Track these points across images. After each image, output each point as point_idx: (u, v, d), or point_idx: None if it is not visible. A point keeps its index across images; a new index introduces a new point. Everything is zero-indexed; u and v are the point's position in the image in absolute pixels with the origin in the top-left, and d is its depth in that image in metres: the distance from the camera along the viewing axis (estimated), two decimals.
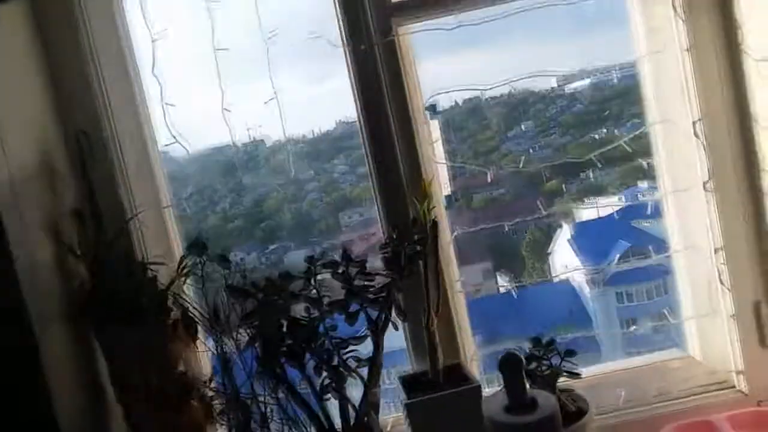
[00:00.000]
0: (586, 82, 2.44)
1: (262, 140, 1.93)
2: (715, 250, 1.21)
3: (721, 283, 1.22)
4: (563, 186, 2.53)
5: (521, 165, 1.64)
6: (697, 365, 1.33)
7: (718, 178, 1.18)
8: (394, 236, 1.18)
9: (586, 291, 2.73)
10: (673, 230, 1.34)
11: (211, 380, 1.12)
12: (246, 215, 2.00)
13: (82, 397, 1.06)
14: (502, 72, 1.23)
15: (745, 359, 1.22)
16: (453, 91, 1.27)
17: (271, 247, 2.02)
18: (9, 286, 0.94)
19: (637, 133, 1.30)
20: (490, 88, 1.25)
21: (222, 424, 1.11)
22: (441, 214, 1.32)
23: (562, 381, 1.12)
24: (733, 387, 1.25)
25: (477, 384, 1.09)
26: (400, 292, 1.15)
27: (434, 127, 1.36)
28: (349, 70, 1.22)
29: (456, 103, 2.57)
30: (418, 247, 1.17)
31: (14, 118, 1.05)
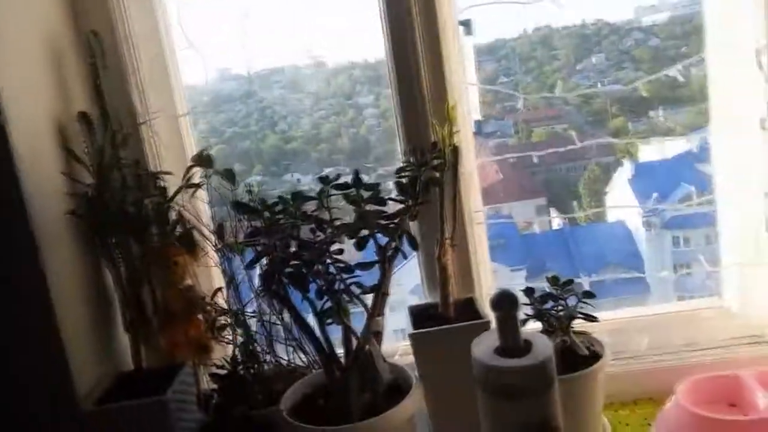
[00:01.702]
0: (666, 15, 2.25)
1: (324, 62, 1.90)
2: (766, 194, 1.10)
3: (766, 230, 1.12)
4: (629, 124, 2.40)
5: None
6: (732, 317, 1.24)
7: None
8: (411, 161, 1.11)
9: (642, 233, 2.65)
10: (722, 172, 1.22)
11: (214, 296, 1.10)
12: (304, 137, 2.00)
13: (87, 309, 1.05)
14: None
15: None
16: (487, 4, 1.16)
17: (327, 170, 2.01)
18: (12, 195, 0.92)
19: (689, 61, 1.18)
20: (528, 3, 1.13)
21: (225, 342, 1.10)
22: (468, 140, 1.24)
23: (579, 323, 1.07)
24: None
25: (486, 320, 1.04)
26: (413, 220, 1.09)
27: (467, 47, 1.26)
28: None
29: (524, 31, 2.43)
30: (436, 174, 1.10)
31: (20, 14, 1.00)
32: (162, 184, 1.12)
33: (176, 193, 1.05)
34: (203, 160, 1.04)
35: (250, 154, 1.94)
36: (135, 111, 1.16)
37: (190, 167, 1.06)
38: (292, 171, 2.02)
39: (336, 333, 1.08)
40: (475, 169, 1.25)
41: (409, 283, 1.53)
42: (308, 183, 2.04)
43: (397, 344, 1.30)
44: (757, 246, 1.15)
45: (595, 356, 1.03)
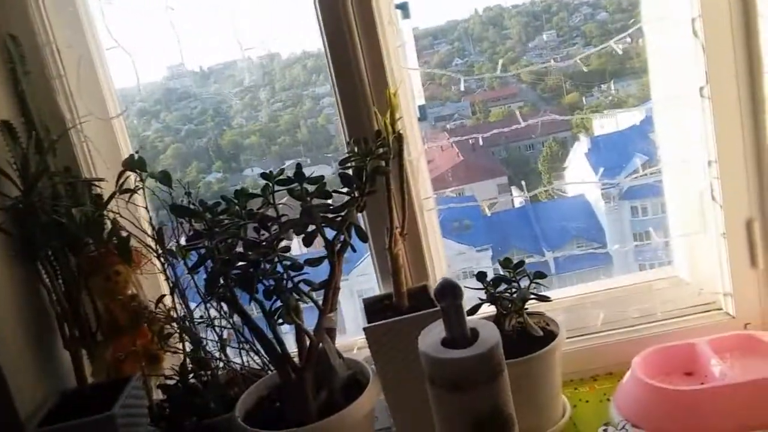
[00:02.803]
0: None
1: (277, 53, 1.86)
2: (709, 163, 1.11)
3: (713, 199, 1.12)
4: (583, 98, 2.43)
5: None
6: (684, 286, 1.25)
7: (715, 83, 1.06)
8: (356, 150, 1.08)
9: (601, 206, 2.70)
10: (666, 142, 1.23)
11: (158, 304, 1.06)
12: (262, 131, 1.96)
13: (24, 328, 1.00)
14: None
15: (733, 280, 1.14)
16: None
17: (288, 162, 1.97)
18: None
19: (626, 33, 1.17)
20: None
21: (173, 351, 1.06)
22: (413, 126, 1.22)
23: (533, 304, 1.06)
24: (720, 309, 1.18)
25: (438, 309, 1.02)
26: (360, 211, 1.06)
27: (406, 30, 1.23)
28: None
29: (476, 11, 2.42)
30: (382, 163, 1.08)
31: None
32: (98, 190, 1.08)
33: (109, 199, 1.01)
34: (135, 163, 1.00)
35: (209, 151, 1.89)
36: (62, 116, 1.11)
37: (122, 172, 1.01)
38: (252, 166, 1.98)
39: (290, 332, 1.05)
40: (423, 155, 1.23)
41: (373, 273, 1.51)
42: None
43: (355, 338, 1.29)
44: (702, 214, 1.16)
45: (551, 336, 1.03)
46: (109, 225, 1.03)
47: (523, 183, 1.46)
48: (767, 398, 0.96)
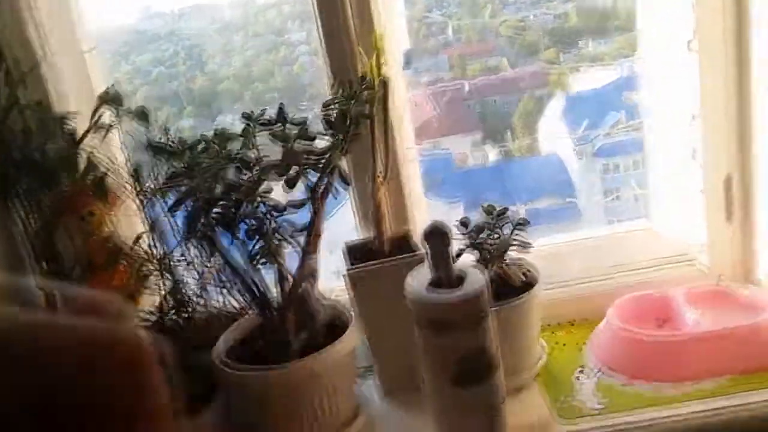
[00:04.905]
0: None
1: None
2: (692, 117, 1.11)
3: (694, 153, 1.13)
4: (560, 55, 2.41)
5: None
6: (659, 238, 1.27)
7: (702, 36, 1.05)
8: (340, 94, 1.06)
9: (574, 163, 2.72)
10: (650, 97, 1.23)
11: (135, 243, 1.04)
12: (235, 77, 1.91)
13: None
14: None
15: (709, 234, 1.16)
16: None
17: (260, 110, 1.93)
18: None
19: None
20: None
21: (150, 290, 1.05)
22: (397, 71, 1.20)
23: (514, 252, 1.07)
24: (694, 261, 1.21)
25: (420, 254, 1.02)
26: (344, 155, 1.04)
27: None
28: None
29: None
30: (366, 107, 1.06)
31: None
32: (71, 126, 1.04)
33: (84, 135, 0.97)
34: (111, 97, 0.96)
35: (180, 96, 1.84)
36: (33, 48, 1.05)
37: (98, 106, 0.97)
38: (225, 113, 1.94)
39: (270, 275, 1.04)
40: (407, 102, 1.21)
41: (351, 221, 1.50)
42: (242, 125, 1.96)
43: (332, 284, 1.28)
44: (682, 168, 1.17)
45: (530, 284, 1.04)
46: (83, 164, 0.99)
47: (507, 137, 1.45)
48: (737, 346, 0.99)
